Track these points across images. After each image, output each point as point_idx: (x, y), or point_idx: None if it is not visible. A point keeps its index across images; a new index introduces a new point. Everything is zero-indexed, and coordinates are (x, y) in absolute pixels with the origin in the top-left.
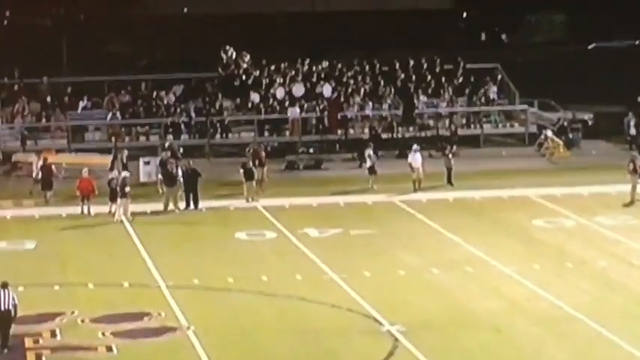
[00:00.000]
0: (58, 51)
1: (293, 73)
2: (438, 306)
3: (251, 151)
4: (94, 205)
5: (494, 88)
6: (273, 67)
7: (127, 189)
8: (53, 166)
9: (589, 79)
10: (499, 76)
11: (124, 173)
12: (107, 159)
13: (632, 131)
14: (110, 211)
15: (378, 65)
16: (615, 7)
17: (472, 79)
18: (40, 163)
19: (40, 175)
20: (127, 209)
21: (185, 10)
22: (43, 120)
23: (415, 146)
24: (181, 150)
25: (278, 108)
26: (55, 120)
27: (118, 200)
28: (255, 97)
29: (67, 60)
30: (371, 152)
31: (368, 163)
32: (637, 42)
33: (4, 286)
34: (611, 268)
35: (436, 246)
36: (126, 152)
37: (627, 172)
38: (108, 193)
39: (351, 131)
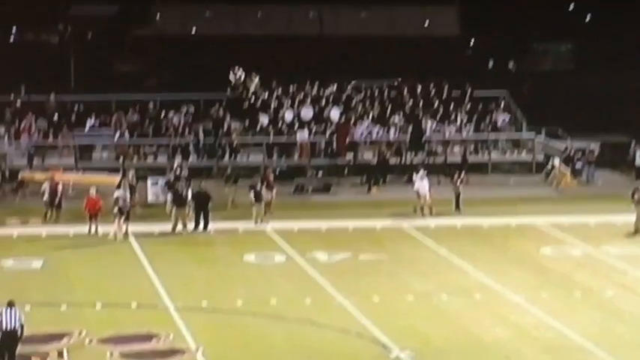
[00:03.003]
0: (66, 68)
1: (302, 96)
2: (447, 332)
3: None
4: (101, 224)
5: (502, 116)
6: (281, 90)
7: (116, 209)
8: (60, 186)
9: (595, 108)
10: (505, 104)
11: (116, 193)
12: (115, 178)
13: (639, 161)
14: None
15: (386, 90)
16: (622, 37)
17: (479, 106)
18: (48, 183)
19: (48, 196)
20: (120, 228)
21: (194, 30)
22: (50, 138)
23: (422, 172)
24: (185, 172)
25: (287, 131)
26: (62, 138)
27: (115, 220)
28: (263, 119)
29: (74, 78)
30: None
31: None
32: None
33: (11, 305)
34: (618, 297)
35: (445, 272)
36: (133, 172)
37: (632, 202)
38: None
39: (365, 155)
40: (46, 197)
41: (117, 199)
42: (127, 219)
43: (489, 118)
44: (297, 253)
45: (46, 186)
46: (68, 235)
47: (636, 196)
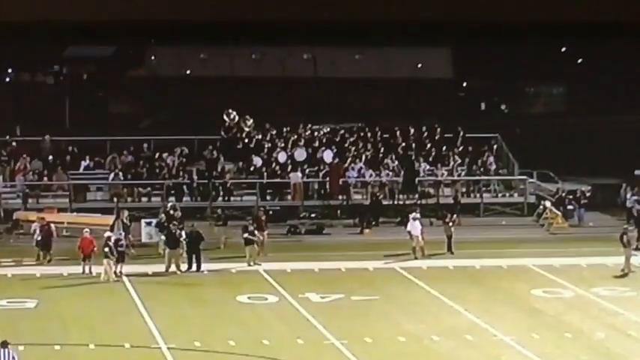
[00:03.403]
0: (61, 109)
1: (295, 137)
2: None
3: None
4: (96, 265)
5: (493, 158)
6: (275, 132)
7: (106, 249)
8: (52, 227)
9: (586, 151)
10: (497, 146)
11: (107, 233)
12: (109, 219)
13: (629, 203)
14: (114, 272)
15: (379, 132)
16: (615, 80)
17: (471, 148)
18: (38, 224)
19: (39, 237)
20: (109, 269)
21: (188, 72)
22: (45, 179)
23: (414, 214)
24: (178, 212)
25: (280, 172)
26: (57, 179)
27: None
28: (257, 160)
29: (69, 119)
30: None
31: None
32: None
33: (5, 345)
34: (609, 339)
35: (437, 313)
36: (127, 213)
37: (621, 244)
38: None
39: (358, 196)
40: (36, 238)
41: (107, 239)
42: (121, 260)
43: (481, 161)
44: (290, 293)
45: (36, 227)
46: (62, 276)
47: (625, 238)
